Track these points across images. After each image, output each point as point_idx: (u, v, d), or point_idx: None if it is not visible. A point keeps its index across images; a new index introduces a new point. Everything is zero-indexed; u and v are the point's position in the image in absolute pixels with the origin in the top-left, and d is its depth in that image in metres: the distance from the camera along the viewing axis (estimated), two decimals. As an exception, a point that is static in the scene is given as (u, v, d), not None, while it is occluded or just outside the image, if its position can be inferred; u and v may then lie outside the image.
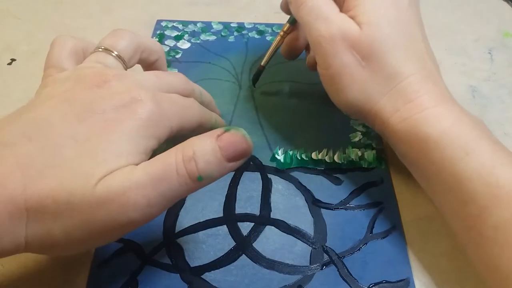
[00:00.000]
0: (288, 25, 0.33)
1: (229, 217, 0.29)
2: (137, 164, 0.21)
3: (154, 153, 0.31)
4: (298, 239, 0.28)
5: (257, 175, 0.32)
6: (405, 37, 0.27)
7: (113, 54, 0.25)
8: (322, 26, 0.27)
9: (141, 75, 0.25)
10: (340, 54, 0.27)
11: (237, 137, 0.21)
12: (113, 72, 0.23)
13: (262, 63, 0.36)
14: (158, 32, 0.42)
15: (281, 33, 0.34)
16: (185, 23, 0.43)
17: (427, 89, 0.26)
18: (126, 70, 0.26)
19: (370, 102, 0.27)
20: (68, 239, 0.20)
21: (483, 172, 0.23)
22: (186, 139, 0.32)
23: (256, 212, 0.30)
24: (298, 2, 0.29)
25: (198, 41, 0.42)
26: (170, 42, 0.41)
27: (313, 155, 0.33)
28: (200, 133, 0.30)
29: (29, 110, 0.22)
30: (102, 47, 0.26)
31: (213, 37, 0.42)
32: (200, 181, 0.21)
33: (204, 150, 0.21)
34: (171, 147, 0.32)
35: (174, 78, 0.27)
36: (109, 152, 0.20)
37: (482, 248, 0.23)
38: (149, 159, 0.22)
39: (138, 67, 0.30)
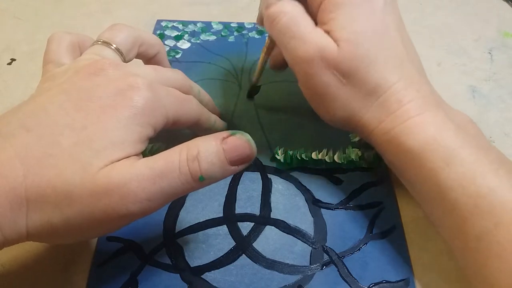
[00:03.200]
0: (269, 40, 0.31)
1: (229, 217, 0.29)
2: (135, 154, 0.21)
3: (155, 152, 0.31)
4: (298, 239, 0.28)
5: (257, 175, 0.32)
6: (383, 48, 0.26)
7: (112, 47, 0.26)
8: (299, 46, 0.26)
9: (139, 67, 0.25)
10: (320, 75, 0.26)
11: (242, 142, 0.22)
12: (110, 61, 0.24)
13: (254, 80, 0.35)
14: (158, 32, 0.42)
15: (264, 49, 0.32)
16: (185, 23, 0.43)
17: (410, 98, 0.25)
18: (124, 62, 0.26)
19: (355, 117, 0.27)
20: (67, 228, 0.20)
21: (464, 182, 0.23)
22: (185, 138, 0.32)
23: (256, 212, 0.30)
24: (271, 18, 0.27)
25: (198, 41, 0.41)
26: (170, 42, 0.41)
27: (313, 155, 0.33)
28: (199, 133, 0.31)
29: (28, 103, 0.22)
30: (101, 40, 0.26)
31: (213, 37, 0.42)
32: (201, 181, 0.21)
33: (208, 151, 0.21)
34: (170, 147, 0.32)
35: (173, 73, 0.27)
36: (105, 141, 0.20)
37: (467, 257, 0.23)
38: (147, 154, 0.22)
39: (139, 62, 0.30)
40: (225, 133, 0.22)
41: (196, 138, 0.22)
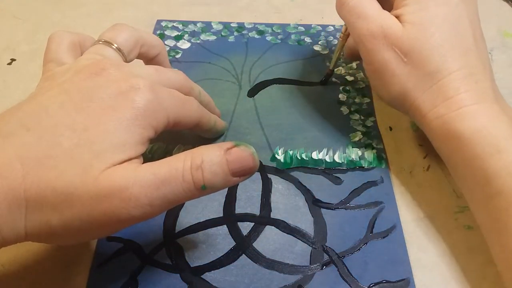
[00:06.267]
0: (345, 28, 0.33)
1: (229, 217, 0.29)
2: (136, 156, 0.21)
3: (155, 152, 0.31)
4: (298, 239, 0.28)
5: (257, 175, 0.32)
6: (450, 35, 0.27)
7: (113, 46, 0.26)
8: (364, 25, 0.28)
9: (141, 67, 0.25)
10: (382, 51, 0.28)
11: (246, 154, 0.22)
12: (111, 61, 0.24)
13: (331, 67, 0.37)
14: (158, 32, 0.42)
15: (341, 35, 0.34)
16: (185, 23, 0.43)
17: (467, 87, 0.26)
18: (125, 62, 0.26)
19: (411, 96, 0.28)
20: (66, 230, 0.20)
21: None
22: (185, 139, 0.32)
23: (256, 212, 0.30)
24: (342, 1, 0.30)
25: (198, 41, 0.41)
26: (170, 42, 0.41)
27: (313, 155, 0.33)
28: (199, 134, 0.31)
29: (28, 102, 0.22)
30: (102, 40, 0.26)
31: (213, 37, 0.42)
32: (203, 190, 0.21)
33: (212, 160, 0.21)
34: (171, 147, 0.32)
35: (174, 74, 0.27)
36: (106, 143, 0.20)
37: (506, 241, 0.24)
38: (147, 155, 0.22)
39: (140, 62, 0.30)
40: (229, 144, 0.22)
41: (201, 147, 0.22)
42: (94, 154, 0.20)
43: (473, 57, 0.27)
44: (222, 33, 0.42)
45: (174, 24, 0.43)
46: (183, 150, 0.22)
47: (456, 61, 0.27)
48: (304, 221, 0.29)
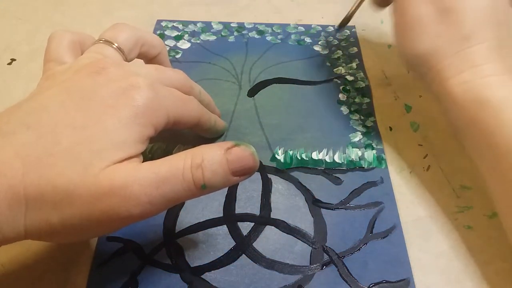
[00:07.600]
0: None
1: (229, 217, 0.29)
2: (135, 155, 0.21)
3: (155, 152, 0.31)
4: (298, 239, 0.28)
5: (257, 175, 0.32)
6: (489, 4, 0.27)
7: (114, 46, 0.26)
8: None
9: (141, 66, 0.25)
10: (419, 4, 0.27)
11: (246, 154, 0.22)
12: (111, 60, 0.24)
13: (350, 12, 0.38)
14: (158, 32, 0.42)
15: None
16: (185, 23, 0.43)
17: (496, 58, 0.26)
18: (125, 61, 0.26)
19: (436, 57, 0.28)
20: (66, 228, 0.20)
21: None
22: (185, 138, 0.32)
23: (256, 212, 0.30)
24: None
25: (198, 41, 0.42)
26: (170, 42, 0.41)
27: (313, 155, 0.33)
28: (199, 133, 0.31)
29: (28, 101, 0.22)
30: (103, 39, 0.26)
31: (213, 37, 0.42)
32: (203, 189, 0.21)
33: (212, 160, 0.21)
34: (171, 147, 0.32)
35: (174, 73, 0.27)
36: (106, 141, 0.20)
37: None
38: (147, 154, 0.22)
39: (141, 61, 0.30)
40: (229, 143, 0.22)
41: (201, 146, 0.22)
42: (94, 153, 0.20)
43: (505, 32, 0.27)
44: (222, 33, 0.42)
45: (174, 24, 0.43)
46: (183, 150, 0.22)
47: (489, 31, 0.27)
48: (304, 221, 0.29)
